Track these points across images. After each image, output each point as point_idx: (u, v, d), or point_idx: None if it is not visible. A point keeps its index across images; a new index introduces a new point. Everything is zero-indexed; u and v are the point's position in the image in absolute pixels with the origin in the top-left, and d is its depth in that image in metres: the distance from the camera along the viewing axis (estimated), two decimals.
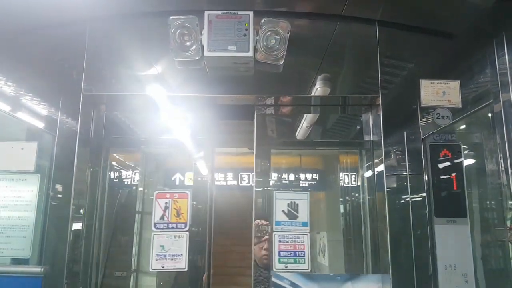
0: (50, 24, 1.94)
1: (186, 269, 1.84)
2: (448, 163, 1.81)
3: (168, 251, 1.85)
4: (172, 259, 1.84)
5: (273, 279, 1.78)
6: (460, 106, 1.86)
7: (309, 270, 1.83)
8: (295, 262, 1.84)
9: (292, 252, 1.85)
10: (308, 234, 1.87)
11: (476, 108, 1.94)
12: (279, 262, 1.84)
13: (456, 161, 1.82)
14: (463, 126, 2.08)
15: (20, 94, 1.93)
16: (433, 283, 1.72)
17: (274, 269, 1.82)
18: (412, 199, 1.81)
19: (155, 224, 1.88)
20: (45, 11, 1.84)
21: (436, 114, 1.84)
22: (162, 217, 1.88)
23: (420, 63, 1.94)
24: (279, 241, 1.86)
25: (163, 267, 1.83)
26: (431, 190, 1.79)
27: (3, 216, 1.79)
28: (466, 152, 1.90)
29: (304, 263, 1.84)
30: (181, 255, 1.84)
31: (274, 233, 1.87)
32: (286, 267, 1.83)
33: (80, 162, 1.86)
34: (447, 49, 1.96)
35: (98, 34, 1.96)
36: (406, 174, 1.83)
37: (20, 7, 1.79)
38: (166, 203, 1.90)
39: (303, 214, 1.88)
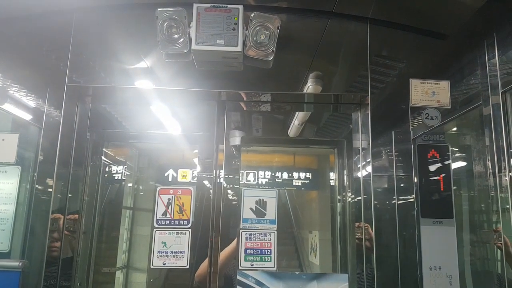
0: (36, 14, 1.90)
1: (187, 267, 1.82)
2: (435, 164, 1.80)
3: (170, 248, 1.82)
4: (174, 256, 1.82)
5: (238, 277, 1.77)
6: (449, 107, 1.85)
7: (275, 269, 1.82)
8: (261, 260, 1.82)
9: (259, 250, 1.83)
10: (275, 232, 1.85)
11: (465, 110, 1.93)
12: (245, 260, 1.82)
13: (444, 162, 1.81)
14: (453, 128, 2.07)
15: (6, 85, 1.89)
16: (418, 284, 1.70)
17: (240, 267, 1.81)
18: (399, 200, 1.79)
19: (157, 220, 1.85)
20: (30, 0, 1.80)
21: (425, 114, 1.83)
22: (164, 213, 1.86)
23: (411, 62, 1.93)
24: (246, 238, 1.84)
25: (164, 264, 1.81)
26: (418, 190, 1.78)
27: None
28: (457, 154, 1.90)
29: (270, 261, 1.83)
30: (183, 252, 1.82)
31: (241, 230, 1.86)
32: (252, 265, 1.81)
33: (62, 155, 1.82)
34: (438, 50, 1.95)
35: (84, 25, 1.92)
36: (394, 174, 1.82)
37: None
38: (169, 199, 1.88)
39: (271, 212, 1.87)
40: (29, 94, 1.89)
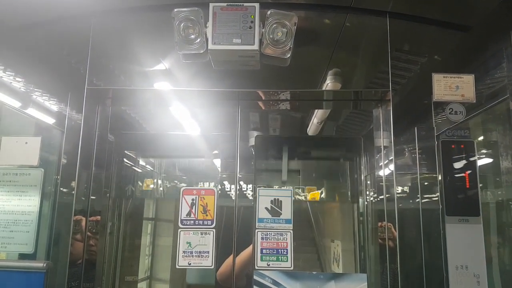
0: (55, 19, 1.93)
1: (212, 267, 1.82)
2: (460, 161, 1.74)
3: (194, 248, 1.83)
4: (198, 256, 1.82)
5: (255, 277, 1.76)
6: (474, 101, 1.78)
7: (292, 268, 1.79)
8: (277, 260, 1.80)
9: (275, 250, 1.82)
10: (291, 231, 1.83)
11: (491, 104, 1.86)
12: (261, 260, 1.81)
13: (469, 158, 1.76)
14: (477, 122, 2.00)
15: (29, 90, 1.93)
16: (444, 284, 1.66)
17: (256, 267, 1.79)
18: (423, 198, 1.75)
19: (181, 220, 1.86)
20: (49, 6, 1.84)
21: (449, 109, 1.78)
22: (188, 213, 1.87)
23: (433, 56, 1.87)
24: (262, 238, 1.83)
25: (189, 264, 1.82)
26: (443, 188, 1.73)
27: (6, 211, 1.79)
28: (482, 150, 1.84)
29: (287, 261, 1.80)
30: (208, 252, 1.83)
31: (256, 230, 1.84)
32: (269, 265, 1.80)
33: (83, 157, 1.84)
34: (461, 42, 1.89)
35: (102, 28, 1.94)
36: (417, 171, 1.77)
37: (26, 2, 1.79)
38: (192, 199, 1.88)
39: (287, 211, 1.85)
40: (51, 98, 1.93)
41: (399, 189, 1.77)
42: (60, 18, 1.93)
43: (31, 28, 1.95)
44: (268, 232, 1.83)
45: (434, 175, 1.75)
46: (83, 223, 1.83)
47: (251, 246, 1.85)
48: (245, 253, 1.86)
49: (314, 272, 1.79)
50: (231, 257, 1.85)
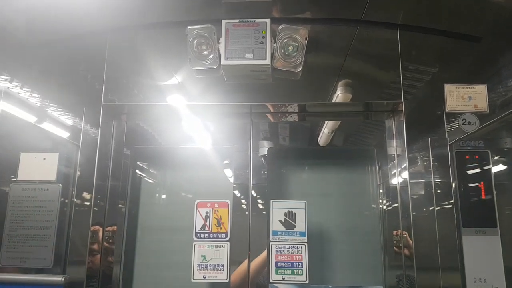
0: (71, 36, 1.99)
1: (227, 280, 1.82)
2: (475, 171, 1.73)
3: (209, 261, 1.83)
4: (213, 269, 1.83)
5: None
6: (487, 112, 1.78)
7: (307, 282, 1.78)
8: (292, 273, 1.79)
9: (290, 263, 1.81)
10: (306, 244, 1.82)
11: (505, 113, 1.85)
12: (276, 273, 1.80)
13: (484, 168, 1.74)
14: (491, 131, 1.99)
15: (44, 105, 1.97)
16: None
17: (271, 280, 1.79)
18: (438, 209, 1.74)
19: (196, 233, 1.87)
20: (66, 24, 1.89)
21: (462, 120, 1.77)
22: (203, 227, 1.87)
23: (444, 67, 1.87)
24: (276, 251, 1.82)
25: (204, 277, 1.82)
26: (458, 199, 1.72)
27: (26, 226, 1.82)
28: (496, 157, 1.82)
29: (302, 274, 1.79)
30: (223, 265, 1.83)
31: (271, 243, 1.84)
32: (284, 278, 1.79)
33: (100, 172, 1.88)
34: (472, 52, 1.89)
35: (118, 44, 1.99)
36: (432, 182, 1.76)
37: (43, 21, 1.85)
38: (207, 212, 1.89)
39: (301, 224, 1.84)
40: (66, 113, 1.97)
41: (414, 197, 1.76)
42: (76, 35, 1.99)
43: (48, 46, 2.01)
44: (283, 245, 1.83)
45: (448, 185, 1.74)
46: (100, 234, 1.86)
47: (262, 254, 1.85)
48: (260, 258, 1.86)
49: (330, 286, 1.78)
50: (243, 264, 1.86)
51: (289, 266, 1.80)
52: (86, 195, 1.85)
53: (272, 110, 2.01)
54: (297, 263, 1.80)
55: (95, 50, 1.99)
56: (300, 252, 1.81)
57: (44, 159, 1.89)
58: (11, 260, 1.80)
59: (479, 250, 1.66)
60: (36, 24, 1.88)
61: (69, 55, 2.01)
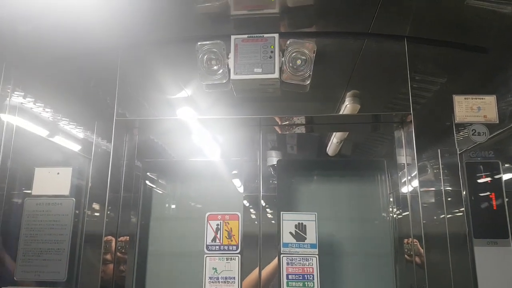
0: (83, 53, 2.03)
1: None
2: (486, 182, 1.73)
3: (220, 273, 1.84)
4: (225, 282, 1.83)
5: None
6: (497, 122, 1.78)
7: None
8: (304, 285, 1.79)
9: (301, 276, 1.80)
10: (317, 256, 1.82)
11: None
12: (287, 286, 1.79)
13: (495, 177, 1.74)
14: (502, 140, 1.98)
15: (56, 119, 2.01)
16: None
17: None
18: (449, 216, 1.73)
19: (207, 246, 1.87)
20: (78, 40, 1.93)
21: (472, 130, 1.77)
22: (214, 239, 1.88)
23: (453, 78, 1.88)
24: (287, 264, 1.82)
25: None
26: (469, 210, 1.71)
27: (40, 240, 1.85)
28: (506, 165, 1.81)
29: (313, 286, 1.78)
30: (234, 278, 1.83)
31: (281, 255, 1.84)
32: None
33: (113, 185, 1.91)
34: (481, 63, 1.90)
35: (129, 60, 2.03)
36: (442, 193, 1.76)
37: (56, 39, 1.89)
38: (217, 224, 1.89)
39: (312, 236, 1.84)
40: (78, 127, 2.01)
41: (424, 205, 1.76)
42: (88, 51, 2.03)
43: (60, 62, 2.06)
44: (294, 257, 1.83)
45: (459, 194, 1.74)
46: (113, 244, 1.88)
47: (273, 262, 1.86)
48: (270, 267, 1.86)
49: None
50: (254, 273, 1.86)
51: (300, 278, 1.80)
52: (98, 207, 1.88)
53: (280, 123, 2.03)
54: (308, 275, 1.80)
55: (106, 66, 2.04)
56: (311, 264, 1.81)
57: (58, 173, 1.92)
58: (26, 274, 1.83)
59: (492, 261, 1.65)
60: (49, 43, 1.92)
61: (81, 71, 2.05)
